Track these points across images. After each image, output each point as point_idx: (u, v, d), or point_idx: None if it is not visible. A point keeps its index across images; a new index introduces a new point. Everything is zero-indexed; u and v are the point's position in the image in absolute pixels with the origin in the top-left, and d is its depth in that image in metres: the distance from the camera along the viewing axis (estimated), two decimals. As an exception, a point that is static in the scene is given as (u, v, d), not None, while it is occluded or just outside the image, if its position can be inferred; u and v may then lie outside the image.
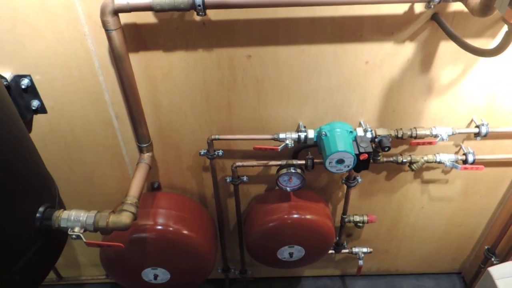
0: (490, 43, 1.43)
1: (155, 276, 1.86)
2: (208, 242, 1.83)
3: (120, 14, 1.24)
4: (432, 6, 1.28)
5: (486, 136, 1.66)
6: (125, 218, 1.30)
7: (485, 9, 1.11)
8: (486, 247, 2.20)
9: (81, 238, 1.20)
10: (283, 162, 1.70)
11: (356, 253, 2.22)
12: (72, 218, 1.20)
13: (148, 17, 1.33)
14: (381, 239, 2.26)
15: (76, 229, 1.20)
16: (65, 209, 1.23)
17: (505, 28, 1.04)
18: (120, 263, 1.81)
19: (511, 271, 1.66)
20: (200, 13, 1.22)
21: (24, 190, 1.09)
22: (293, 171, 1.68)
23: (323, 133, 1.53)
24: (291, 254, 1.94)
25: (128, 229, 1.32)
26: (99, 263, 1.83)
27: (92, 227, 1.23)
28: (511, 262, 1.71)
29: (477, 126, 1.66)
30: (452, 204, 2.07)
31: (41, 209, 1.14)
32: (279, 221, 1.79)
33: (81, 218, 1.21)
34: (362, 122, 1.66)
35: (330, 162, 1.50)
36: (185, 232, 1.72)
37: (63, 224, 1.18)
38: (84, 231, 1.22)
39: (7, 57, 1.39)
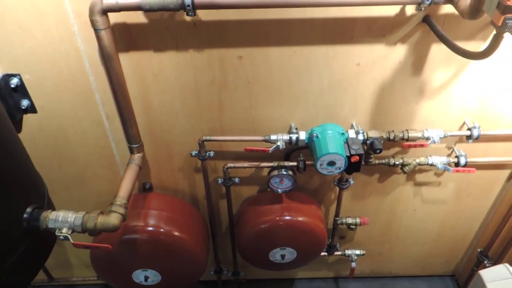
0: (481, 46, 1.43)
1: (146, 278, 1.85)
2: (199, 244, 1.82)
3: (110, 14, 1.23)
4: (423, 9, 1.28)
5: (478, 139, 1.65)
6: (113, 219, 1.30)
7: (474, 11, 1.11)
8: (479, 249, 2.20)
9: (69, 239, 1.19)
10: (275, 163, 1.69)
11: (349, 255, 2.21)
12: (60, 219, 1.18)
13: (138, 17, 1.32)
14: (374, 241, 2.26)
15: (64, 230, 1.19)
16: (54, 209, 1.22)
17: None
18: (111, 265, 1.80)
19: (501, 274, 1.66)
20: (190, 13, 1.21)
21: (12, 190, 1.08)
22: (285, 172, 1.67)
23: (315, 134, 1.53)
24: (283, 256, 1.93)
25: (117, 230, 1.31)
26: (91, 264, 1.82)
27: (80, 228, 1.22)
28: (501, 265, 1.71)
29: (469, 129, 1.65)
30: (445, 206, 2.06)
31: (28, 209, 1.12)
32: (270, 223, 1.78)
33: (69, 219, 1.20)
34: (354, 124, 1.65)
35: (321, 164, 1.50)
36: (176, 233, 1.71)
37: (50, 225, 1.17)
38: (72, 232, 1.21)
39: (-4, 56, 1.38)
